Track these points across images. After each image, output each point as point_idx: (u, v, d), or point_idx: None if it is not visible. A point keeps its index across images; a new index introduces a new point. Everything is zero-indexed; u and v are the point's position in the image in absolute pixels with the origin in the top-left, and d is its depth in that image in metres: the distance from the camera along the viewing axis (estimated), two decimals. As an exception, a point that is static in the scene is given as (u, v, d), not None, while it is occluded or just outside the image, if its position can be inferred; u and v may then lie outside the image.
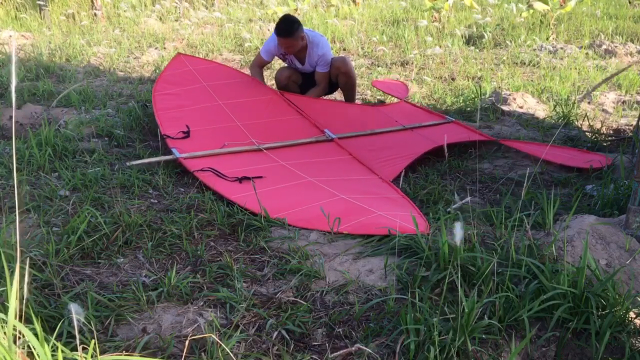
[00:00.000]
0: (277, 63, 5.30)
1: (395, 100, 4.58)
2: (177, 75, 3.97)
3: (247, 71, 4.91)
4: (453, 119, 3.99)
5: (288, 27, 3.91)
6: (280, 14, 8.07)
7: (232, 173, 2.87)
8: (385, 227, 2.27)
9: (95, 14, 7.74)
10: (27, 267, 1.28)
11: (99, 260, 2.07)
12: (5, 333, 1.27)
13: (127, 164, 2.97)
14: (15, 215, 2.27)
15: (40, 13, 7.61)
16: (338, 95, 4.71)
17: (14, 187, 2.60)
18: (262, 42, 6.78)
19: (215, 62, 4.59)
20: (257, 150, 3.28)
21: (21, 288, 1.26)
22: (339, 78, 4.24)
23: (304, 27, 4.08)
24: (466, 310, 1.64)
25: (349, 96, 4.35)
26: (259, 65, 4.28)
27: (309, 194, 2.75)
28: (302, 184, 2.88)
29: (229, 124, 3.53)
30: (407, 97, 4.70)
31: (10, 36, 6.33)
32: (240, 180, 2.80)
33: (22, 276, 1.26)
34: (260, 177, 2.86)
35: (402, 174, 2.97)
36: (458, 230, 1.59)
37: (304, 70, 4.28)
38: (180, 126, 3.36)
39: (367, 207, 2.55)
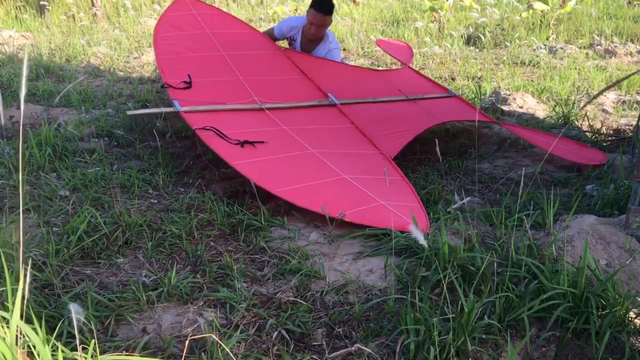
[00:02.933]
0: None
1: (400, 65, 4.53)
2: (180, 17, 3.82)
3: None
4: (455, 93, 3.98)
5: (330, 4, 3.94)
6: (281, 14, 8.09)
7: (234, 134, 2.81)
8: (385, 224, 2.26)
9: (95, 14, 7.74)
10: (28, 267, 1.28)
11: (99, 260, 2.07)
12: (6, 333, 1.28)
13: (128, 113, 2.95)
14: (15, 215, 2.28)
15: (41, 14, 7.61)
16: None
17: (14, 187, 2.61)
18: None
19: (219, 9, 4.49)
20: (259, 109, 3.22)
21: (21, 288, 1.26)
22: None
23: None
24: (466, 310, 1.64)
25: None
26: (270, 36, 4.26)
27: (310, 169, 2.71)
28: (304, 155, 2.84)
29: (232, 77, 3.45)
30: (412, 62, 4.65)
31: (11, 36, 6.33)
32: (242, 144, 2.76)
33: (22, 276, 1.26)
34: (262, 142, 2.82)
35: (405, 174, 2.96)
36: (415, 231, 1.60)
37: None
38: (182, 75, 3.25)
39: (368, 192, 2.54)
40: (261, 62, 3.72)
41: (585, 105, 2.08)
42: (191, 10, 3.93)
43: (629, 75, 1.92)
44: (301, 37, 4.16)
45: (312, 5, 3.97)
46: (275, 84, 3.54)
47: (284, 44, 4.54)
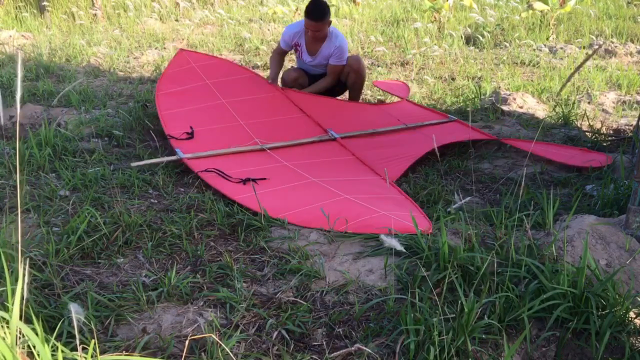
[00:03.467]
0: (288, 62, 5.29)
1: (397, 99, 4.58)
2: (180, 73, 3.97)
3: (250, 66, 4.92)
4: (455, 118, 4.00)
5: (319, 9, 3.94)
6: (280, 14, 8.08)
7: (236, 174, 2.87)
8: (387, 227, 2.27)
9: (95, 14, 7.74)
10: (27, 267, 1.28)
11: (99, 260, 2.07)
12: (6, 333, 1.28)
13: (132, 164, 2.97)
14: (15, 215, 2.28)
15: (41, 13, 7.61)
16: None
17: (14, 187, 2.61)
18: (262, 42, 6.78)
19: (217, 57, 4.59)
20: (260, 150, 3.28)
21: (21, 288, 1.26)
22: (349, 76, 4.23)
23: None
24: (466, 310, 1.64)
25: (355, 95, 4.35)
26: (279, 53, 4.32)
27: (312, 193, 2.75)
28: (306, 184, 2.88)
29: (232, 123, 3.54)
30: (408, 96, 4.71)
31: (11, 36, 6.33)
32: (244, 182, 2.80)
33: (22, 276, 1.27)
34: (264, 178, 2.87)
35: (404, 174, 2.97)
36: (388, 239, 1.73)
37: (311, 64, 4.28)
38: (184, 126, 3.36)
39: (370, 206, 2.55)
40: (261, 105, 3.81)
41: (564, 85, 2.07)
42: (190, 63, 4.08)
43: (588, 57, 1.92)
44: (305, 40, 4.17)
45: (304, 12, 3.99)
46: (275, 124, 3.62)
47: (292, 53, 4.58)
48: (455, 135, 3.65)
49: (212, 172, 2.87)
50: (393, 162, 3.22)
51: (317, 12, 3.94)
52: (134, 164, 2.97)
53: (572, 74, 1.97)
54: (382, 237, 1.77)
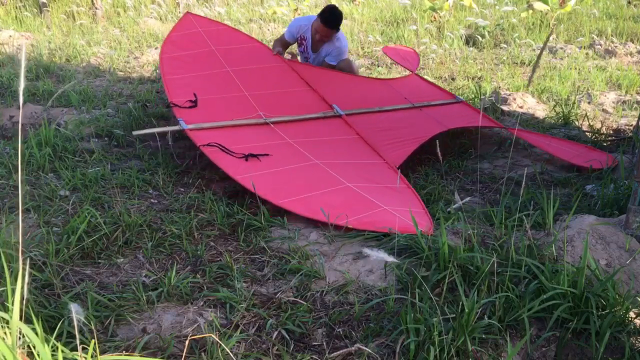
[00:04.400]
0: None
1: (406, 73, 4.53)
2: (185, 36, 3.90)
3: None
4: (462, 99, 3.98)
5: (336, 18, 4.01)
6: (280, 14, 8.08)
7: (239, 149, 2.83)
8: (387, 227, 2.26)
9: (95, 14, 7.74)
10: (27, 267, 1.28)
11: (99, 260, 2.07)
12: (6, 333, 1.28)
13: (134, 133, 2.98)
14: (15, 215, 2.28)
15: (41, 14, 7.61)
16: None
17: (14, 187, 2.61)
18: (262, 42, 6.79)
19: (224, 24, 4.51)
20: (264, 124, 3.24)
21: (21, 288, 1.26)
22: None
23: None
24: (466, 310, 1.64)
25: None
26: (282, 44, 4.33)
27: (315, 179, 2.72)
28: (308, 166, 2.84)
29: (237, 93, 3.49)
30: (418, 68, 4.65)
31: (11, 36, 6.33)
32: (247, 157, 2.77)
33: (22, 276, 1.27)
34: (267, 154, 2.83)
35: (405, 172, 2.96)
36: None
37: (312, 62, 4.31)
38: (188, 94, 3.31)
39: (372, 199, 2.54)
40: (266, 76, 3.76)
41: (532, 76, 2.06)
42: (196, 27, 4.00)
43: (543, 51, 1.92)
44: (311, 35, 4.19)
45: (320, 15, 3.98)
46: (280, 97, 3.56)
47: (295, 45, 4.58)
48: (461, 120, 3.62)
49: (214, 146, 2.83)
50: (398, 145, 3.18)
51: (334, 22, 3.99)
52: (135, 132, 2.98)
53: (537, 62, 1.98)
54: (366, 250, 1.82)
